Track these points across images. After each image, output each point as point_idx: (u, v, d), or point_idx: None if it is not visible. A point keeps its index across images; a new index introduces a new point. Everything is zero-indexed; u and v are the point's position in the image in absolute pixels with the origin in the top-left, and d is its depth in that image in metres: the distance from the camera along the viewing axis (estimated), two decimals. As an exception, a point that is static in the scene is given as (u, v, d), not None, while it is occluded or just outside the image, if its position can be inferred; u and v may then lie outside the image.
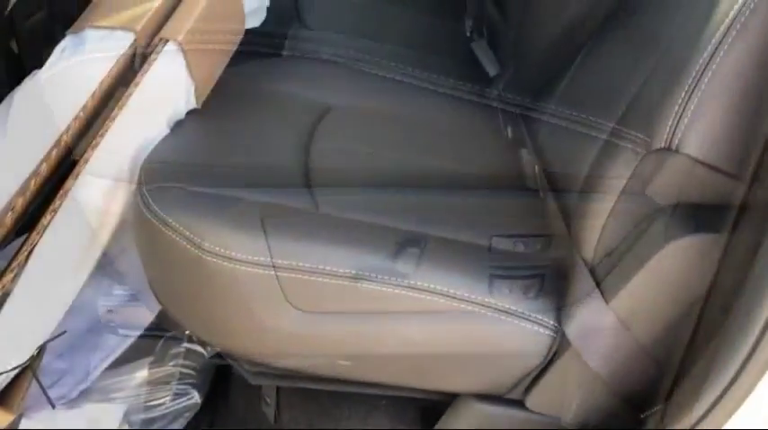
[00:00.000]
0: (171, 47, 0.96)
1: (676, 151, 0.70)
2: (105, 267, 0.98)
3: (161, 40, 0.97)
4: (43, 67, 0.93)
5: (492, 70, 1.44)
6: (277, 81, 1.26)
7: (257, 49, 1.25)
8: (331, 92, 1.26)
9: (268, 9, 1.25)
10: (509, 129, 1.19)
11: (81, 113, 0.91)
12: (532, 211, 0.98)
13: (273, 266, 0.84)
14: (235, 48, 1.14)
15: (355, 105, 1.23)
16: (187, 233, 0.85)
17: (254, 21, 1.16)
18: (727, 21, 0.66)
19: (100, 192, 0.93)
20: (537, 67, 1.14)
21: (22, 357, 0.84)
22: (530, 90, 1.15)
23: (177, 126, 1.02)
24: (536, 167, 1.02)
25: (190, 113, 1.05)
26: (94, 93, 0.92)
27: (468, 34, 1.54)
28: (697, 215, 0.72)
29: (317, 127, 1.12)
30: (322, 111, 1.18)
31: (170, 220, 0.86)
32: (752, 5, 0.65)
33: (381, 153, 1.09)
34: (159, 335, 1.11)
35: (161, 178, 0.91)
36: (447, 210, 0.98)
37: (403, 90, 1.34)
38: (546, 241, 0.92)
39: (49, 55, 0.95)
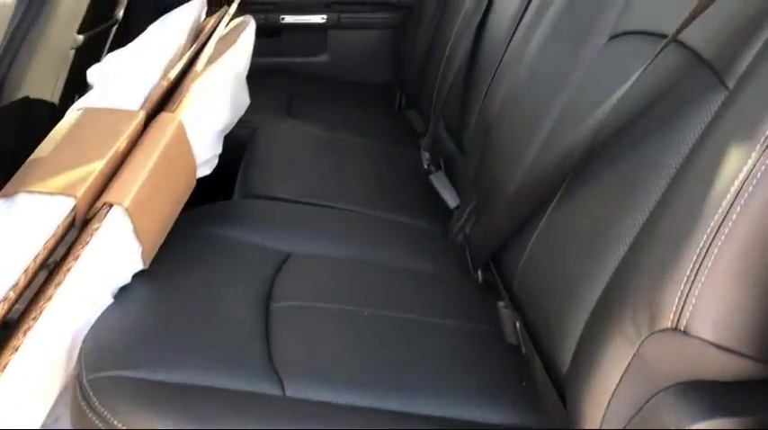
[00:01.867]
0: (116, 212, 0.88)
1: (685, 333, 0.64)
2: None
3: (105, 205, 0.88)
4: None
5: (452, 202, 1.40)
6: (230, 227, 1.18)
7: (209, 194, 1.18)
8: (289, 236, 1.19)
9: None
10: (479, 274, 1.13)
11: (11, 293, 0.81)
12: (518, 373, 0.91)
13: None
14: (185, 200, 1.07)
15: (316, 251, 1.16)
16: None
17: (206, 169, 1.09)
18: (737, 183, 0.62)
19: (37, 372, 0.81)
20: (504, 209, 1.09)
21: None
22: (498, 231, 1.09)
23: (122, 294, 0.92)
24: (517, 324, 0.95)
25: (136, 277, 0.95)
26: (27, 269, 0.82)
27: (425, 166, 1.51)
28: (714, 395, 0.66)
29: (275, 282, 1.03)
30: (280, 260, 1.10)
31: (114, 421, 0.74)
32: (763, 167, 0.61)
33: (350, 309, 1.00)
34: None
35: (102, 364, 0.80)
36: (424, 378, 0.89)
37: (364, 230, 1.28)
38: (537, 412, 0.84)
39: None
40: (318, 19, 2.26)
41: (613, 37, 1.01)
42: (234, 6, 1.30)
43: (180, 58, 1.12)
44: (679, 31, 0.79)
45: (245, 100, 1.27)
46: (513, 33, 1.31)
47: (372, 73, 2.30)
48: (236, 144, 1.40)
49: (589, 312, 0.79)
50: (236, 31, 1.25)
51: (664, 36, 0.87)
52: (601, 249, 0.81)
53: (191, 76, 1.02)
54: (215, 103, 1.06)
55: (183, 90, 0.99)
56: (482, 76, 1.41)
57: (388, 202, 1.39)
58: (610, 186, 0.86)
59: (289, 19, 2.25)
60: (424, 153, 1.54)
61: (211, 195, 1.21)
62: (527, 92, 1.17)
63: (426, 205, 1.40)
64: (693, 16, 0.78)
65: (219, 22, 1.21)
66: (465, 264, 1.18)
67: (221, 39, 1.19)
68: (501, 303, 1.00)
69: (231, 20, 1.34)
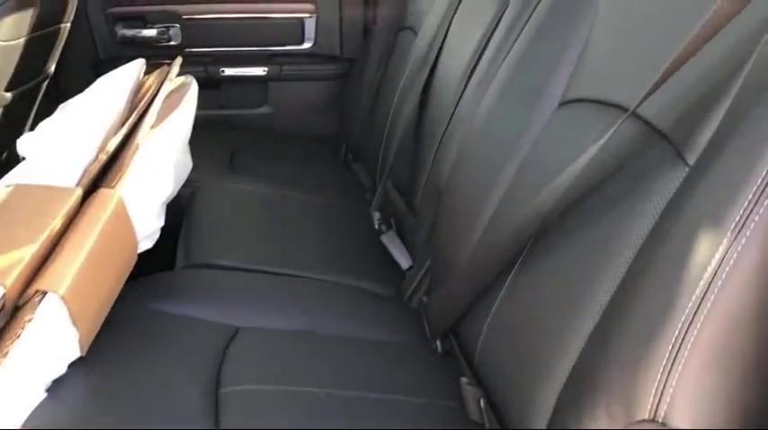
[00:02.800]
0: (51, 300, 0.81)
1: (663, 424, 0.62)
2: None
3: (38, 292, 0.81)
4: None
5: (404, 263, 1.37)
6: (173, 302, 1.12)
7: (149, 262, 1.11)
8: (236, 309, 1.13)
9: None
10: (438, 343, 1.10)
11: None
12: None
13: None
14: (126, 277, 1.00)
15: (265, 324, 1.10)
16: None
17: (148, 243, 1.03)
18: (710, 269, 0.60)
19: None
20: (460, 276, 1.06)
21: None
22: (456, 300, 1.06)
23: (56, 387, 0.85)
24: (481, 402, 0.91)
25: (72, 366, 0.88)
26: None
27: (376, 226, 1.48)
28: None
29: (224, 363, 0.97)
30: (228, 336, 1.04)
31: None
32: (735, 254, 0.59)
33: (304, 391, 0.95)
34: None
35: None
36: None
37: (315, 297, 1.23)
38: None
39: None
40: (259, 71, 2.23)
41: (564, 103, 1.01)
42: (175, 70, 1.25)
43: (120, 127, 1.06)
44: (639, 104, 0.78)
45: (187, 164, 1.22)
46: (463, 91, 1.30)
47: (316, 125, 2.28)
48: (177, 205, 1.34)
49: (558, 390, 0.76)
50: (179, 94, 1.20)
51: (615, 105, 0.87)
52: (569, 321, 0.78)
53: (131, 147, 0.96)
54: (157, 175, 1.01)
55: (123, 163, 0.94)
56: (431, 135, 1.40)
57: (338, 265, 1.34)
58: (575, 256, 0.84)
59: (229, 71, 2.21)
60: (374, 213, 1.51)
61: (151, 264, 1.14)
62: (478, 154, 1.16)
63: (379, 267, 1.37)
64: (656, 87, 0.77)
65: (161, 86, 1.16)
66: (423, 332, 1.14)
67: (163, 103, 1.14)
68: (464, 379, 0.97)
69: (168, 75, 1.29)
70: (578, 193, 0.85)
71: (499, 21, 1.27)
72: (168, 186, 1.05)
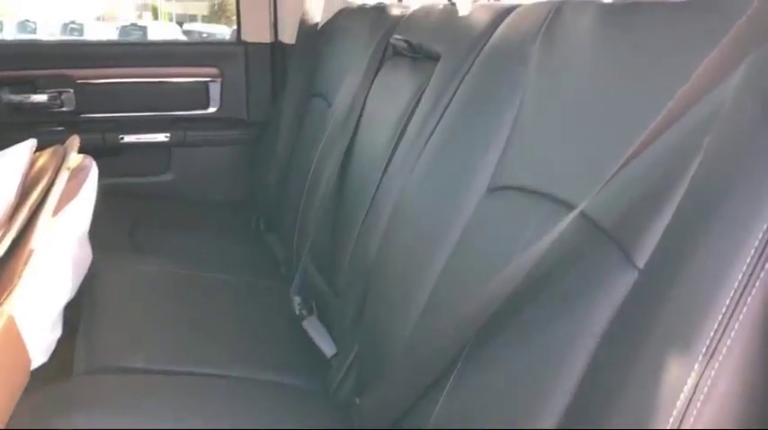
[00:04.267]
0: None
1: None
2: None
3: None
4: None
5: (329, 350, 1.29)
6: (74, 414, 0.99)
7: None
8: (144, 419, 1.02)
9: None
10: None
11: None
12: None
13: None
14: (18, 397, 0.87)
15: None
16: None
17: (43, 358, 0.91)
18: (683, 397, 0.56)
19: None
20: (395, 372, 0.99)
21: None
22: (391, 400, 0.99)
23: None
24: None
25: None
26: None
27: (297, 311, 1.39)
28: None
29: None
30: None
31: None
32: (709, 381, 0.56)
33: None
34: None
35: None
36: None
37: (234, 400, 1.12)
38: None
39: None
40: (162, 137, 2.12)
41: (496, 188, 0.97)
42: (73, 155, 1.14)
43: (8, 222, 0.93)
44: (585, 203, 0.75)
45: (87, 257, 1.10)
46: (387, 166, 1.25)
47: (223, 192, 2.18)
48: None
49: None
50: (76, 180, 1.09)
51: (551, 196, 0.85)
52: (527, 422, 0.73)
53: (23, 253, 0.85)
54: (54, 280, 0.89)
55: (13, 273, 0.82)
56: (354, 209, 1.33)
57: (255, 358, 1.24)
58: (526, 355, 0.79)
59: (129, 138, 2.08)
60: (294, 297, 1.42)
61: (47, 369, 1.01)
62: (408, 233, 1.11)
63: (301, 357, 1.28)
64: (597, 184, 0.74)
65: (56, 175, 1.04)
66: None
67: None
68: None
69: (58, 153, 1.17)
70: (526, 288, 0.81)
71: (421, 96, 1.24)
72: (66, 290, 0.93)
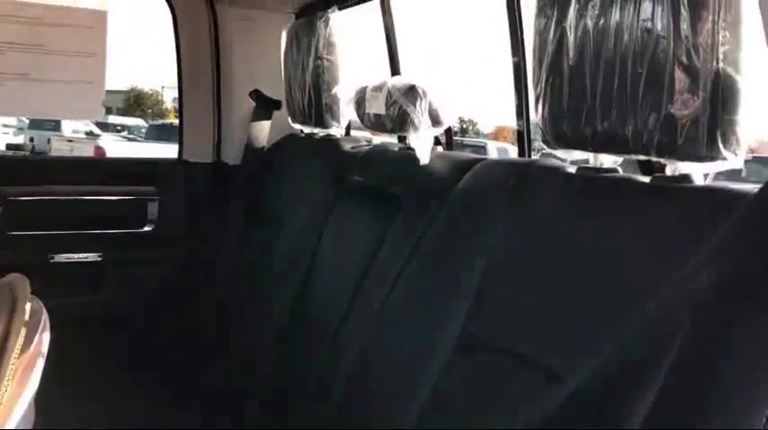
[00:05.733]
0: None
1: None
2: None
3: None
4: None
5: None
6: None
7: None
8: None
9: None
10: None
11: None
12: None
13: None
14: None
15: None
16: None
17: None
18: None
19: None
20: None
21: None
22: None
23: None
24: None
25: None
26: None
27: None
28: None
29: None
30: None
31: None
32: None
33: None
34: None
35: None
36: None
37: None
38: None
39: None
40: (95, 256, 2.04)
41: (468, 346, 0.98)
42: (23, 304, 1.07)
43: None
44: (573, 374, 0.77)
45: (31, 417, 1.02)
46: (347, 314, 1.24)
47: (159, 315, 2.09)
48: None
49: None
50: (28, 330, 1.02)
51: (525, 359, 0.86)
52: None
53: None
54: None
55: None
56: (311, 356, 1.31)
57: None
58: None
59: (59, 258, 1.99)
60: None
61: None
62: (372, 389, 1.09)
63: None
64: (581, 355, 0.76)
65: (8, 330, 0.97)
66: None
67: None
68: None
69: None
70: None
71: (381, 242, 1.25)
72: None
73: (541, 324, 0.89)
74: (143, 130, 13.95)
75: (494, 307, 0.97)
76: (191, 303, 2.05)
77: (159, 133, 10.75)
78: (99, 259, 2.04)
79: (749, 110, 0.76)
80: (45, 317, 1.10)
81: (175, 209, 2.13)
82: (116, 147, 9.20)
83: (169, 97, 22.80)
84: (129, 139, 10.31)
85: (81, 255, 2.03)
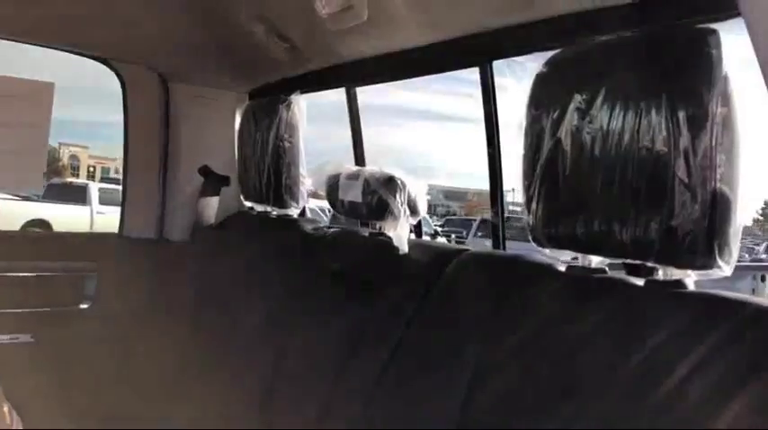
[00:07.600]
0: None
1: None
2: None
3: None
4: None
5: None
6: None
7: None
8: None
9: None
10: None
11: None
12: None
13: None
14: None
15: None
16: None
17: None
18: None
19: None
20: None
21: None
22: None
23: None
24: None
25: None
26: None
27: None
28: None
29: None
30: None
31: None
32: None
33: None
34: None
35: None
36: None
37: None
38: None
39: None
40: (27, 337, 1.91)
41: None
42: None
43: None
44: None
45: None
46: (328, 407, 1.22)
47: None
48: None
49: None
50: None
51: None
52: None
53: None
54: None
55: None
56: None
57: None
58: None
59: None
60: None
61: None
62: None
63: None
64: None
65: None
66: None
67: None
68: None
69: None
70: None
71: (360, 333, 1.25)
72: None
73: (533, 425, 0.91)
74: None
75: (494, 405, 0.98)
76: (132, 382, 1.94)
77: (60, 193, 10.16)
78: (31, 340, 1.91)
79: (740, 222, 0.84)
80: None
81: (114, 285, 2.05)
82: (7, 207, 8.34)
83: (66, 155, 21.86)
84: (23, 198, 9.72)
85: (9, 337, 1.90)
